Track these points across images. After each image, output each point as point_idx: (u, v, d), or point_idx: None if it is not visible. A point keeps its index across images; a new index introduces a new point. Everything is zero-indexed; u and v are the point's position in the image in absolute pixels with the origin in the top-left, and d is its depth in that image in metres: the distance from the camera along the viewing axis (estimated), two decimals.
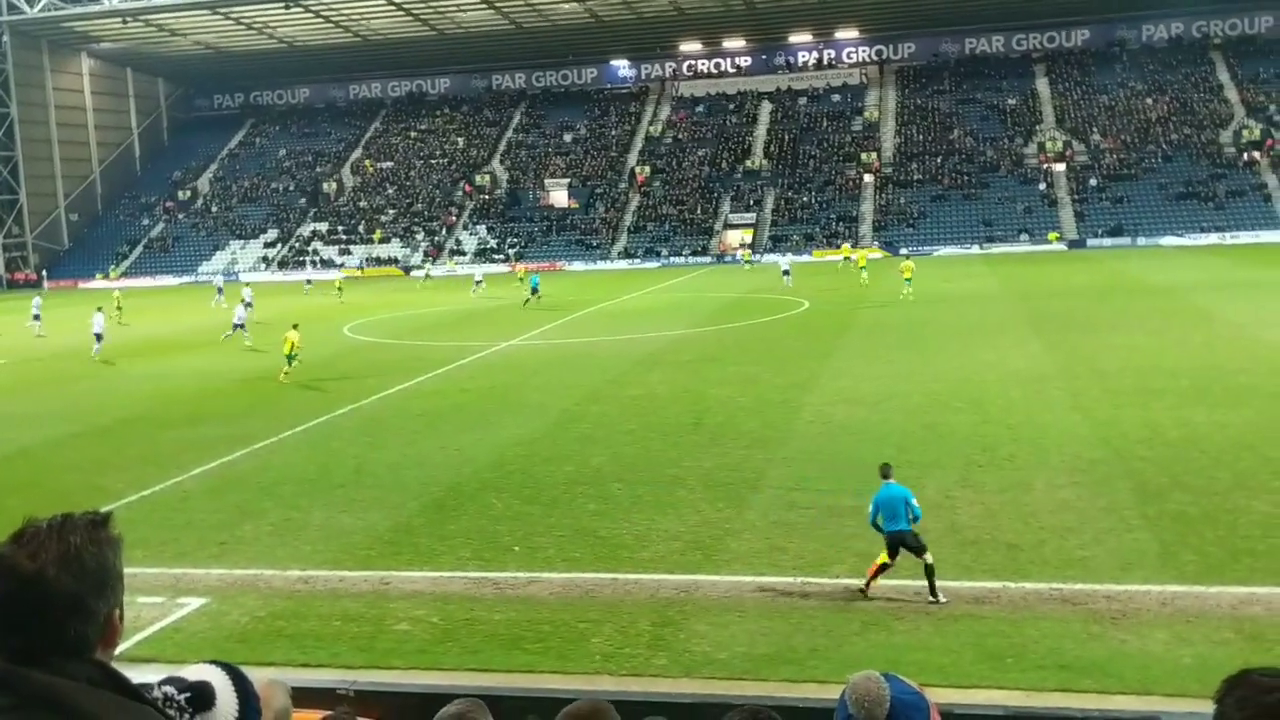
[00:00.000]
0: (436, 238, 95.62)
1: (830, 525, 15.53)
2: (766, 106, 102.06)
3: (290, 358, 31.60)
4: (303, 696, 4.11)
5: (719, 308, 48.11)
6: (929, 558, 12.65)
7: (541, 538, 15.60)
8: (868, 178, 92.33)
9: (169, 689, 2.20)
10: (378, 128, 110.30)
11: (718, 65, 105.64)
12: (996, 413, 22.58)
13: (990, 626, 11.80)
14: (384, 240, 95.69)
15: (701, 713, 5.62)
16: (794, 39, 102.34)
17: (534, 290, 53.93)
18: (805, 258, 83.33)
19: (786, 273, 58.77)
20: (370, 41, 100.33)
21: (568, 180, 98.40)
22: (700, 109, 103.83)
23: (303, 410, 26.56)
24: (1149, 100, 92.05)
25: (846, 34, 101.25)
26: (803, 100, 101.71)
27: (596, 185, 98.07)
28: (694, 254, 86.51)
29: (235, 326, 41.42)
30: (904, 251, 66.26)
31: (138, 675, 2.17)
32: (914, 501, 12.81)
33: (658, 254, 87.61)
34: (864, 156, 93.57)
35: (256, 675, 2.42)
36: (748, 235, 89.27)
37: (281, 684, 3.10)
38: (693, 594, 13.22)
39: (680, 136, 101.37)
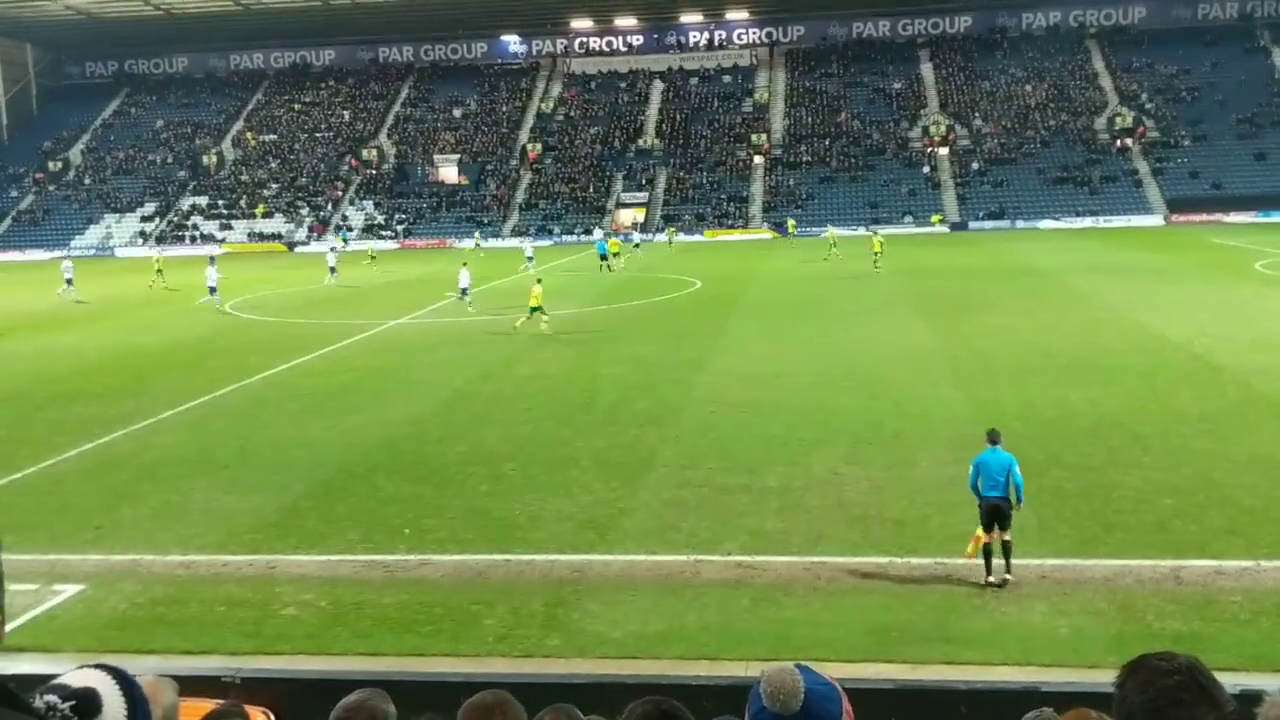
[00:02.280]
0: (322, 213, 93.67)
1: (722, 503, 15.68)
2: (658, 86, 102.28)
3: (535, 309, 33.32)
4: (186, 685, 3.99)
5: (611, 287, 48.10)
6: (1009, 535, 12.36)
7: (433, 519, 15.44)
8: (758, 159, 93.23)
9: (51, 698, 2.10)
10: (260, 99, 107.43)
11: (609, 43, 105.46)
12: (883, 391, 23.04)
13: (877, 601, 12.06)
14: (267, 215, 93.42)
15: (597, 694, 5.63)
16: (685, 19, 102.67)
17: (603, 256, 55.61)
18: (696, 237, 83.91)
19: (604, 258, 57.22)
20: (252, 10, 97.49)
21: (458, 156, 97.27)
22: (592, 86, 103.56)
23: (183, 389, 25.80)
24: (1028, 87, 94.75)
25: (737, 15, 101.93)
26: (694, 80, 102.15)
27: (487, 162, 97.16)
28: (586, 232, 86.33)
29: (211, 290, 43.93)
30: (874, 228, 67.70)
31: (11, 666, 2.07)
32: (1018, 470, 12.42)
33: (550, 232, 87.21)
34: (754, 138, 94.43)
35: (142, 674, 2.33)
36: (640, 214, 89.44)
37: (169, 681, 2.99)
38: (586, 574, 13.23)
39: (572, 114, 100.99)
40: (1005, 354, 26.89)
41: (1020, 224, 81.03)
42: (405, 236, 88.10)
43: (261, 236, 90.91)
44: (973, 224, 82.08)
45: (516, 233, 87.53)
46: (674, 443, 19.31)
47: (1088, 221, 79.98)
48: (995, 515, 12.38)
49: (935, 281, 44.45)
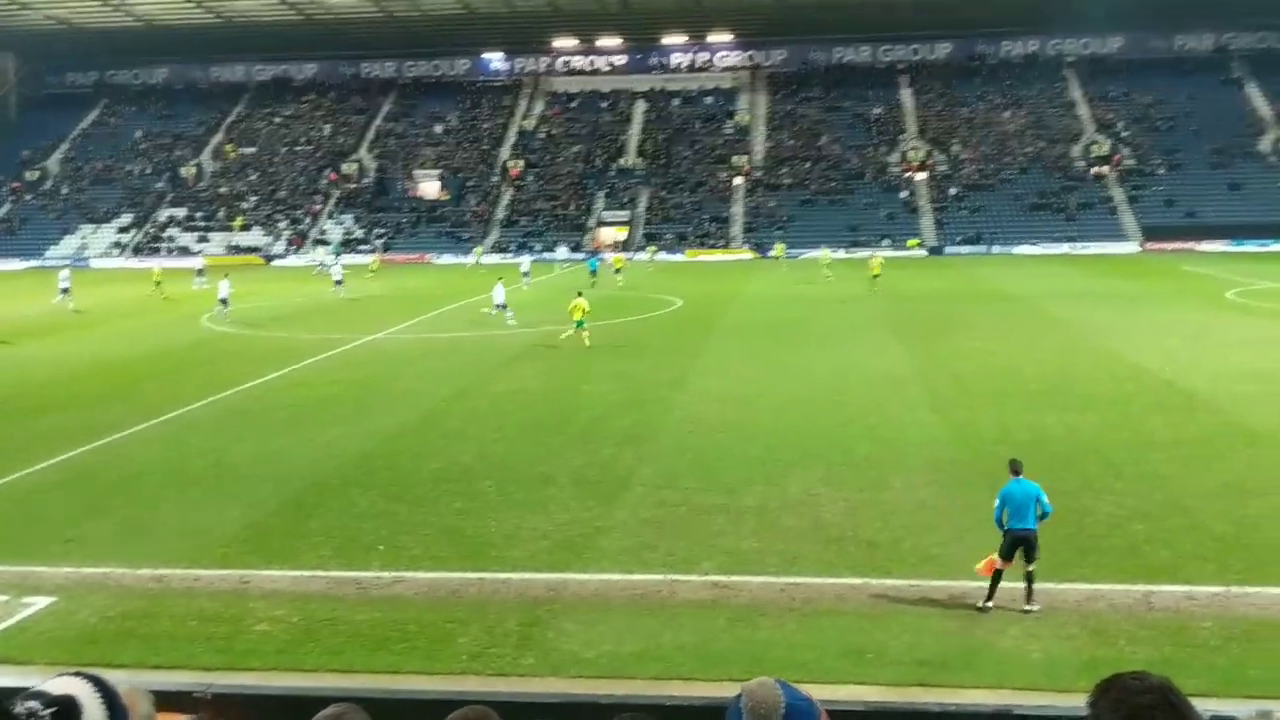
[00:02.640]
0: (300, 226, 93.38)
1: (699, 523, 15.68)
2: (640, 106, 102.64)
3: (580, 324, 34.30)
4: (157, 700, 3.96)
5: (591, 304, 48.16)
6: (1034, 566, 12.26)
7: (407, 536, 15.38)
8: (739, 180, 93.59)
9: (33, 704, 2.09)
10: (240, 111, 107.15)
11: (592, 63, 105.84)
12: (858, 413, 23.14)
13: (851, 623, 12.08)
14: (245, 228, 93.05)
15: (572, 713, 5.61)
16: (668, 40, 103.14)
17: (593, 272, 56.58)
18: (678, 256, 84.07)
19: (527, 273, 58.35)
20: (234, 23, 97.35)
21: (438, 171, 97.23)
22: (574, 105, 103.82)
23: (159, 402, 25.64)
24: (1006, 114, 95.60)
25: (719, 37, 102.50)
26: (676, 101, 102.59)
27: (468, 177, 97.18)
28: (571, 249, 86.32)
29: (221, 301, 45.07)
30: (871, 252, 67.29)
31: None
32: (1045, 499, 12.26)
33: (530, 249, 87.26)
34: (735, 159, 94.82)
35: (120, 683, 2.32)
36: (621, 233, 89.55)
37: (144, 691, 2.98)
38: (561, 593, 13.20)
39: (554, 132, 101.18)
40: (981, 378, 27.07)
41: (997, 249, 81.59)
42: (384, 251, 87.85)
43: (239, 249, 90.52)
44: (949, 248, 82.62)
45: (498, 248, 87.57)
46: (652, 462, 19.32)
47: (1064, 248, 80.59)
48: (1021, 546, 12.27)
49: (913, 305, 44.71)
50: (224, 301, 45.06)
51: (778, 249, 74.82)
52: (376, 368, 31.20)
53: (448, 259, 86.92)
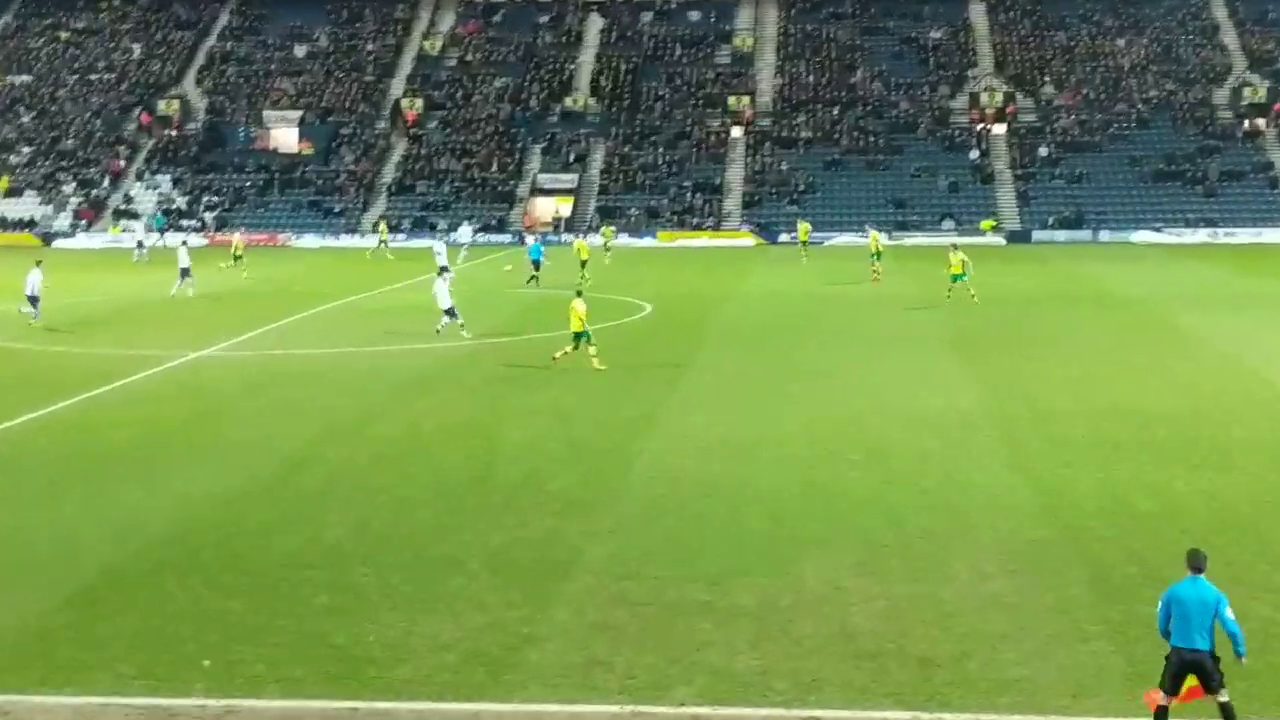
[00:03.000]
0: (94, 191, 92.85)
1: (673, 629, 15.64)
2: (596, 23, 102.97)
3: (583, 336, 33.95)
4: None
5: (523, 308, 48.15)
6: (1225, 695, 12.33)
7: (246, 646, 15.25)
8: (737, 131, 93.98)
9: None
10: (8, 23, 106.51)
11: None
12: (905, 469, 23.17)
13: None
14: (12, 193, 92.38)
15: None
16: None
17: (536, 263, 56.20)
18: (648, 240, 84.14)
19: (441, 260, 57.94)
20: None
21: (299, 114, 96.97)
22: (499, 18, 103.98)
23: None
24: (1120, 42, 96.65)
25: None
26: (647, 17, 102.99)
27: (343, 123, 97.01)
28: (488, 229, 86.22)
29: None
30: (953, 241, 64.95)
31: None
32: (1229, 613, 12.46)
33: (433, 227, 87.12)
34: (732, 101, 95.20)
35: None
36: (564, 204, 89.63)
37: None
38: None
39: (469, 58, 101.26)
40: (1080, 419, 27.16)
41: (1105, 235, 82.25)
42: (217, 228, 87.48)
43: (4, 224, 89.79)
44: (1038, 233, 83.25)
45: (383, 227, 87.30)
46: (605, 539, 19.26)
47: (1201, 234, 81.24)
48: (1195, 672, 12.35)
49: (986, 312, 45.02)
50: (33, 300, 44.44)
51: (801, 231, 72.25)
52: (210, 399, 30.95)
53: (310, 240, 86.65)
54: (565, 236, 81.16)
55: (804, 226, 72.62)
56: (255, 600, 16.79)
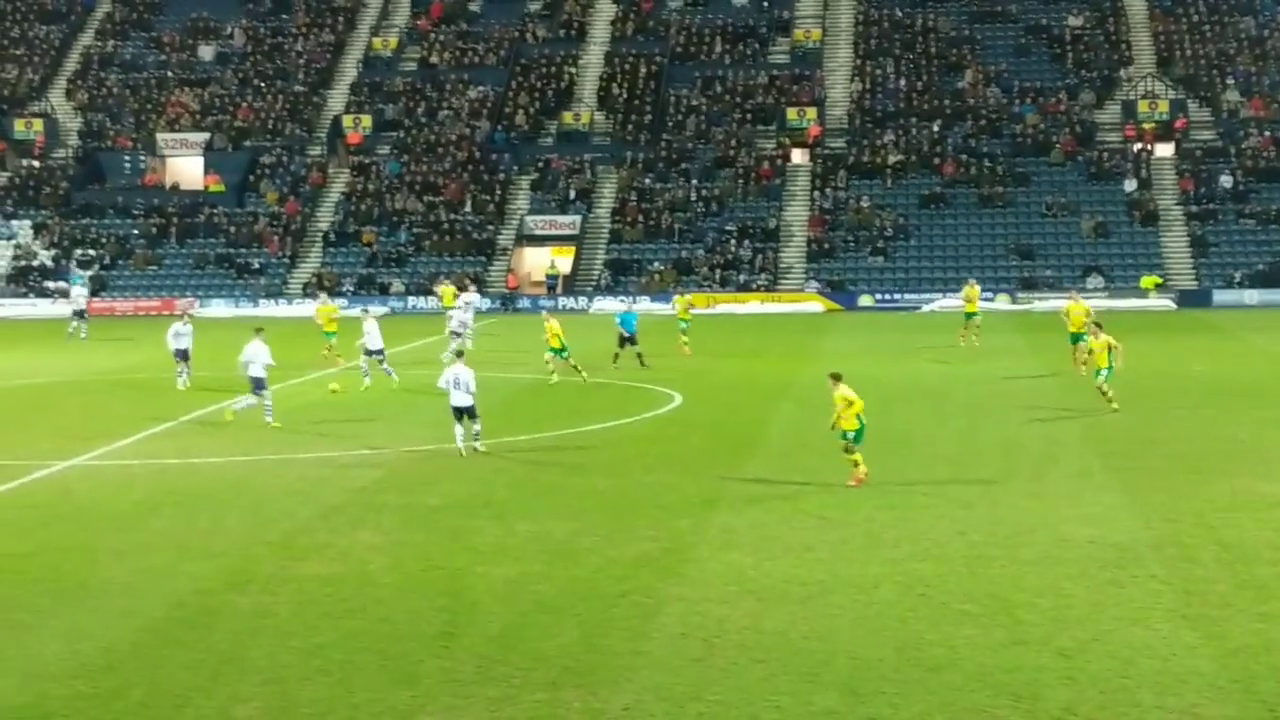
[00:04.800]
0: None
1: None
2: (605, 11, 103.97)
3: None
4: None
5: (502, 399, 48.05)
6: None
7: None
8: (799, 156, 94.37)
9: None
10: None
11: None
12: (1038, 625, 22.90)
13: None
14: None
15: None
16: None
17: (629, 334, 57.27)
18: (660, 306, 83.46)
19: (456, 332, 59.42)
20: None
21: (204, 138, 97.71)
22: (474, 7, 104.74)
23: None
24: None
25: None
26: (675, 3, 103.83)
27: (264, 149, 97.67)
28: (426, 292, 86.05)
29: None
30: (1074, 291, 63.49)
31: None
32: None
33: (385, 289, 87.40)
34: (792, 115, 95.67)
35: None
36: (561, 257, 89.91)
37: None
38: None
39: (435, 59, 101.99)
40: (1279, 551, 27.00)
41: None
42: (94, 292, 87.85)
43: None
44: (1220, 293, 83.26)
45: (316, 291, 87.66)
46: None
47: None
48: None
49: (1147, 408, 44.99)
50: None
51: (968, 296, 64.77)
52: (80, 526, 30.92)
53: (219, 308, 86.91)
54: (562, 301, 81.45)
55: (972, 291, 65.55)
56: None
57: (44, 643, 22.68)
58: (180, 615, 24.18)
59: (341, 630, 23.12)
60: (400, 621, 23.63)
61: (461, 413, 37.43)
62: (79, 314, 72.10)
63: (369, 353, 51.75)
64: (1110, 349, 44.22)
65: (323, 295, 72.70)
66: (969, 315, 61.74)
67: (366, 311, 56.19)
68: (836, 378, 34.09)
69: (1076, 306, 52.90)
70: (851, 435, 33.37)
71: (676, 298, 67.35)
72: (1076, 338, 51.20)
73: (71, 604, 24.83)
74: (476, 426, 37.66)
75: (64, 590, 25.74)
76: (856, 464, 33.10)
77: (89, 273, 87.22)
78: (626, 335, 57.00)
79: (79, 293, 74.98)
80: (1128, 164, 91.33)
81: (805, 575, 25.87)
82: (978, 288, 63.73)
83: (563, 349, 50.83)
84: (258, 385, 43.16)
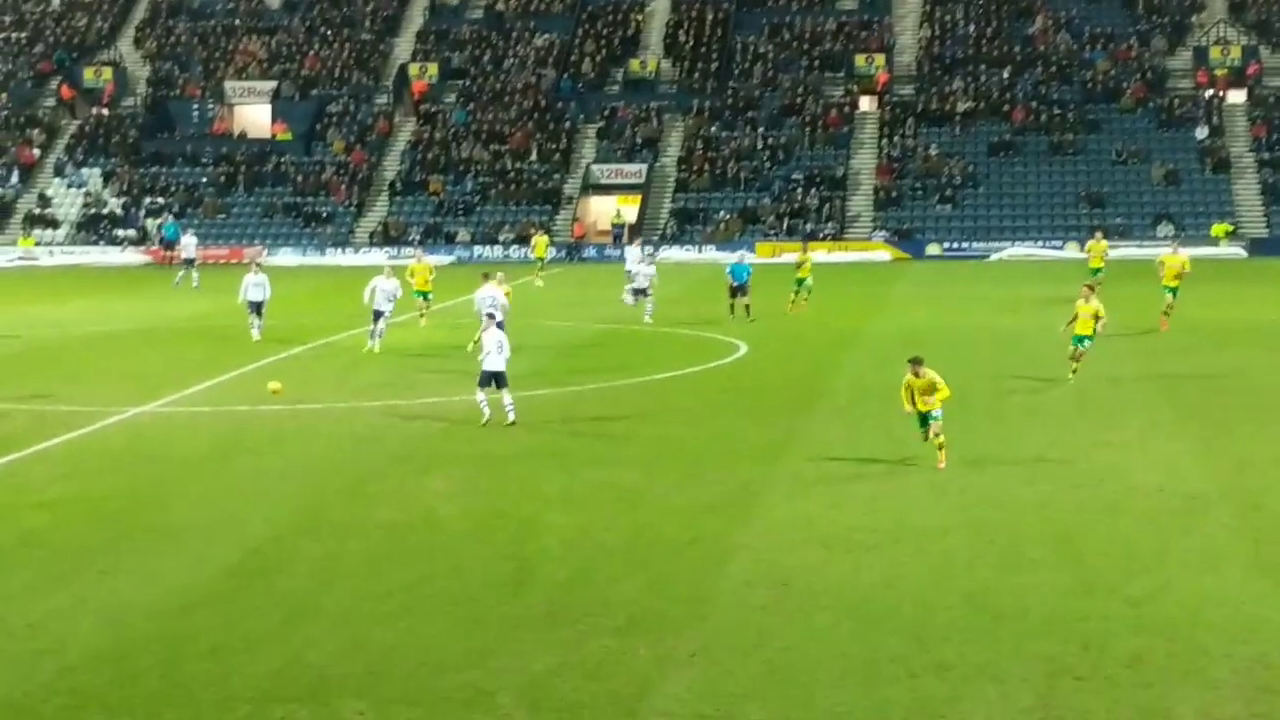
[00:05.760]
0: (0, 190, 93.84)
1: None
2: None
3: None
4: None
5: (568, 347, 48.14)
6: None
7: None
8: (866, 103, 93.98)
9: None
10: None
11: None
12: (1106, 570, 23.01)
13: None
14: None
15: None
16: None
17: (741, 283, 55.91)
18: (743, 253, 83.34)
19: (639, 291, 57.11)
20: None
21: (272, 86, 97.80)
22: None
23: None
24: None
25: None
26: None
27: (331, 99, 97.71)
28: (523, 241, 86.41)
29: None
30: (1172, 240, 63.41)
31: None
32: None
33: (451, 239, 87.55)
34: (860, 62, 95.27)
35: None
36: (628, 206, 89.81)
37: None
38: None
39: (501, 7, 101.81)
40: None
41: None
42: (164, 239, 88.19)
43: None
44: None
45: (384, 239, 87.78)
46: (686, 666, 19.15)
47: None
48: None
49: (1208, 359, 44.92)
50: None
51: (1092, 248, 64.50)
52: (153, 471, 31.22)
53: (287, 256, 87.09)
54: (629, 250, 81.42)
55: (1097, 246, 64.54)
56: None
57: (119, 586, 22.98)
58: (253, 560, 24.48)
59: (411, 576, 23.34)
60: (469, 568, 23.85)
61: (492, 378, 35.24)
62: (189, 262, 72.53)
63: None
64: (1097, 317, 41.95)
65: (419, 251, 67.59)
66: (1094, 270, 59.45)
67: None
68: (918, 363, 30.83)
69: (1173, 259, 52.26)
70: (936, 415, 30.35)
71: (798, 254, 63.88)
72: (1170, 290, 50.97)
73: (146, 548, 25.16)
74: (508, 398, 35.32)
75: (138, 535, 26.06)
76: (943, 442, 30.37)
77: (184, 221, 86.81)
78: (736, 285, 56.24)
79: (188, 241, 75.52)
80: (1199, 111, 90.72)
81: (872, 523, 25.96)
82: (1105, 242, 62.44)
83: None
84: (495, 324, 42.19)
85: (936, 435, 30.28)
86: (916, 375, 30.39)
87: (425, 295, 55.26)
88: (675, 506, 27.57)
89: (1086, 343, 41.80)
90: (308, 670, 19.19)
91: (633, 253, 65.26)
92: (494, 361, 35.27)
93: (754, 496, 28.19)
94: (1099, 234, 65.76)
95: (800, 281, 58.03)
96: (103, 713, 17.84)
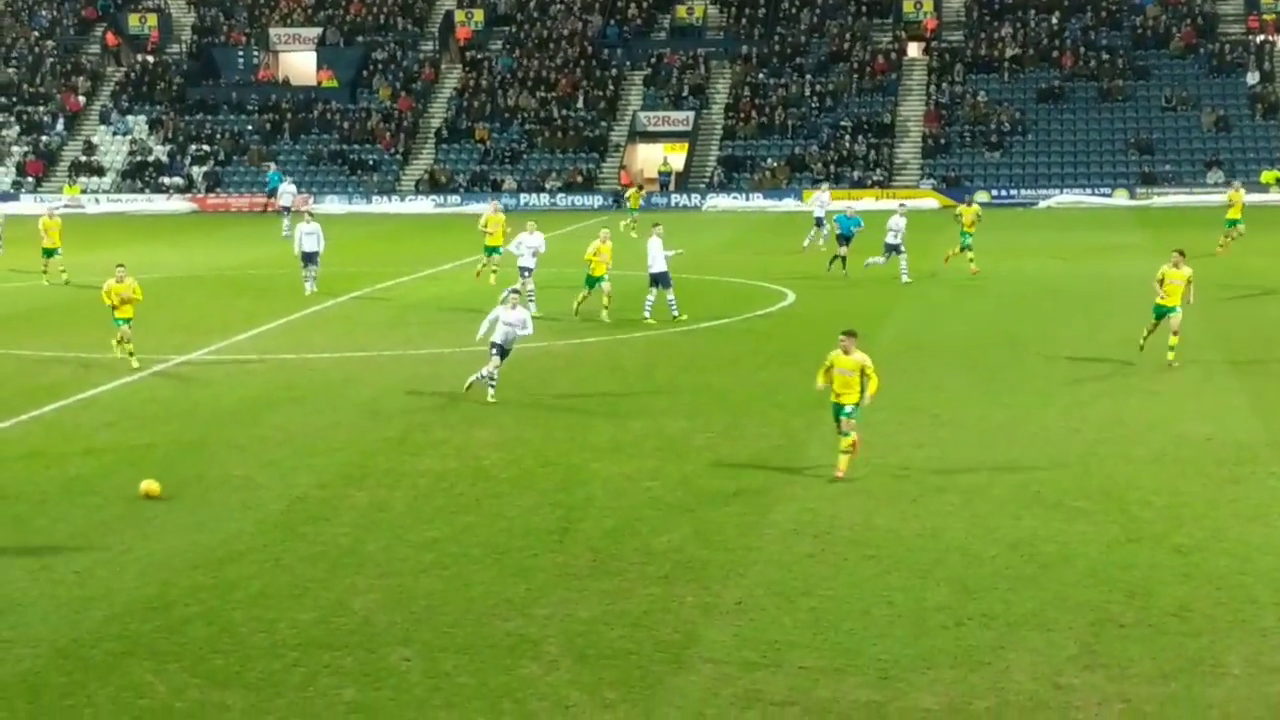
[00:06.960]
0: (45, 136, 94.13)
1: None
2: None
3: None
4: None
5: (618, 296, 48.20)
6: None
7: None
8: (914, 50, 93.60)
9: None
10: None
11: None
12: (1154, 522, 23.01)
13: None
14: None
15: None
16: None
17: (848, 235, 54.23)
18: (789, 202, 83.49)
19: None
20: None
21: (317, 33, 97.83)
22: None
23: None
24: None
25: None
26: None
27: (378, 46, 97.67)
28: (569, 189, 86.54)
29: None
30: (1238, 186, 61.11)
31: None
32: None
33: (497, 186, 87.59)
34: (908, 7, 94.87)
35: None
36: (676, 155, 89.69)
37: None
38: None
39: None
40: None
41: None
42: (209, 188, 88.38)
43: None
44: None
45: (430, 187, 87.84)
46: (732, 615, 19.25)
47: None
48: None
49: (1271, 305, 45.07)
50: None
51: (1231, 197, 59.93)
52: (199, 420, 31.36)
53: (333, 204, 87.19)
54: (676, 198, 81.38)
55: (1236, 195, 60.30)
56: (257, 694, 16.91)
57: (165, 534, 23.13)
58: (298, 509, 24.62)
59: (457, 525, 23.46)
60: (515, 516, 23.94)
61: (503, 351, 32.64)
62: (285, 209, 72.36)
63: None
64: (1189, 283, 36.41)
65: (494, 201, 62.13)
66: (1231, 223, 57.39)
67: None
68: (851, 337, 26.65)
69: (1237, 195, 53.32)
70: (851, 410, 25.94)
71: (963, 208, 58.60)
72: (1232, 223, 52.76)
73: (191, 497, 25.30)
74: (495, 374, 32.49)
75: (183, 483, 26.14)
76: (853, 445, 25.90)
77: (273, 168, 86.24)
78: (841, 235, 54.92)
79: (286, 189, 75.38)
80: (1250, 56, 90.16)
81: (914, 473, 26.05)
82: (1242, 191, 60.65)
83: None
84: (664, 282, 43.06)
85: (846, 434, 25.88)
86: (845, 352, 26.17)
87: (495, 250, 51.83)
88: (721, 455, 27.70)
89: (1177, 313, 36.63)
90: (353, 618, 19.33)
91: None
92: (507, 334, 32.78)
93: (799, 446, 28.29)
94: (1238, 183, 64.50)
95: (968, 235, 54.32)
96: (151, 658, 17.98)
